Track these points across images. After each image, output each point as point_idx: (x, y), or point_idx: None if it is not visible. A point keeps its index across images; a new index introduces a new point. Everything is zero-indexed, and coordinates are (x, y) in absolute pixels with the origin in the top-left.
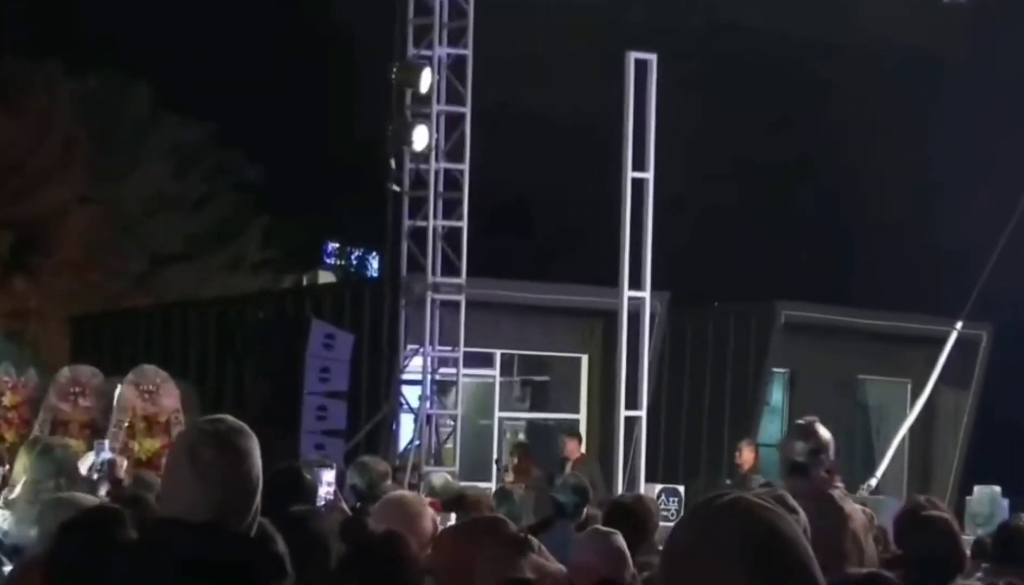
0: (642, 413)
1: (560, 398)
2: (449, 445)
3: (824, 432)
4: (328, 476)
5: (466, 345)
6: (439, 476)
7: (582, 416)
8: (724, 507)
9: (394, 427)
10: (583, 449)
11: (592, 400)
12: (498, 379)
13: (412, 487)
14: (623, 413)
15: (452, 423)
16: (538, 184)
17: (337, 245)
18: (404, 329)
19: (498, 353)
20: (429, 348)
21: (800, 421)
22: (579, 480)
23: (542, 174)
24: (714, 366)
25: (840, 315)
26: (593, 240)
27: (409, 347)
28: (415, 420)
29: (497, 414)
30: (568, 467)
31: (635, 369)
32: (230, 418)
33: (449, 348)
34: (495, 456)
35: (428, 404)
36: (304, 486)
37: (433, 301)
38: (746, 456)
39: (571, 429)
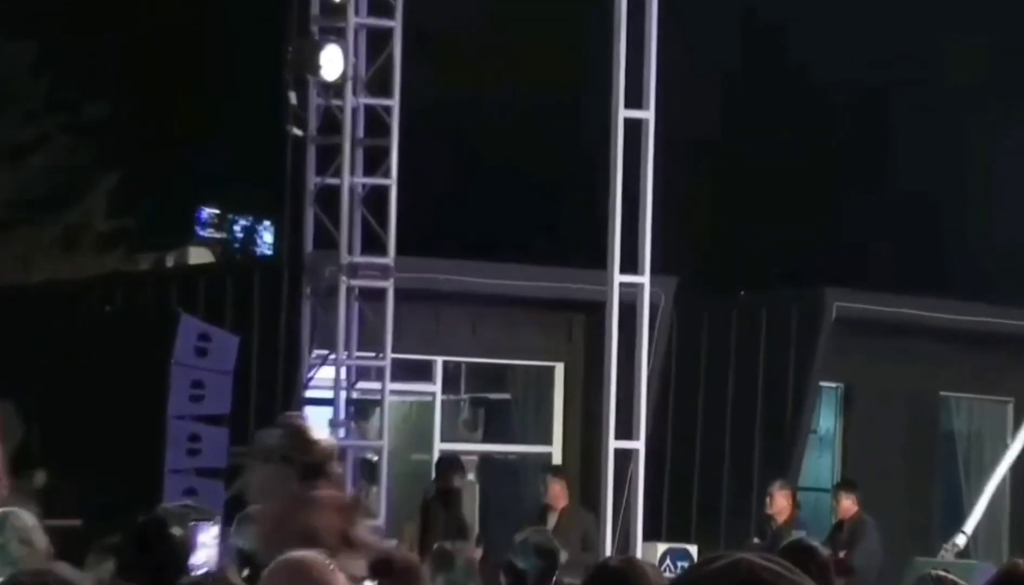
0: (639, 444)
1: (526, 424)
2: (372, 489)
3: None
4: (207, 534)
5: (396, 351)
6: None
7: (555, 448)
8: (720, 572)
9: None
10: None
11: (570, 426)
12: (440, 397)
13: None
14: (613, 444)
15: (375, 458)
16: (495, 129)
17: (215, 212)
18: (309, 328)
19: (440, 361)
20: (343, 355)
21: None
22: (543, 539)
23: (500, 115)
24: (739, 379)
25: (916, 308)
26: (571, 206)
27: (316, 353)
28: None
29: (438, 446)
30: (553, 519)
31: (630, 383)
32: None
33: (372, 354)
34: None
35: (342, 432)
36: (173, 547)
37: (350, 289)
38: (780, 504)
39: (555, 468)
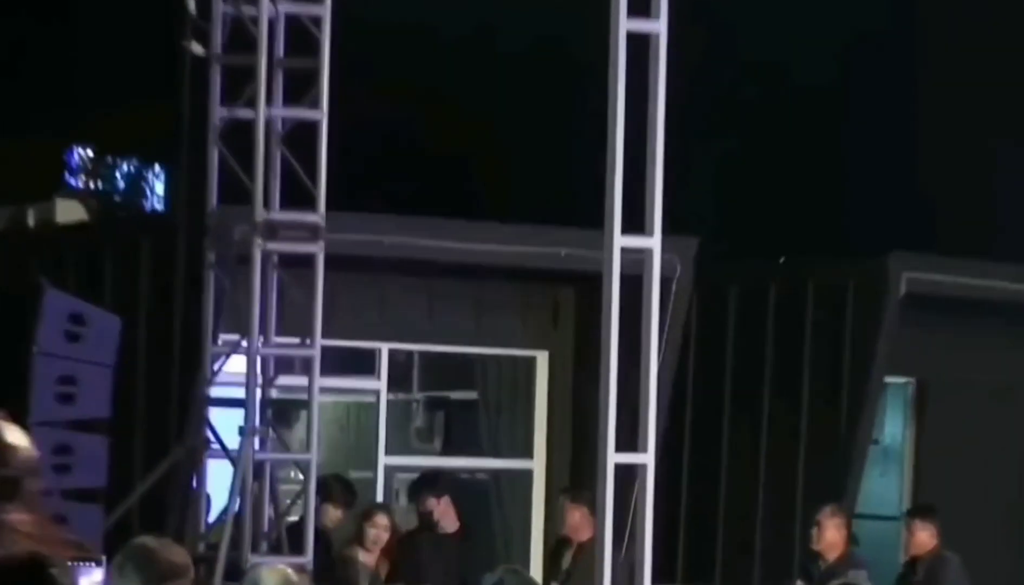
0: (647, 458)
1: (499, 432)
2: (295, 516)
3: None
4: (90, 578)
5: (328, 336)
6: (273, 572)
7: (537, 462)
8: None
9: (195, 484)
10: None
11: (557, 435)
12: (385, 397)
13: None
14: (613, 458)
15: (300, 477)
16: (456, 46)
17: (90, 154)
18: (214, 307)
19: (385, 350)
20: (259, 342)
21: None
22: (522, 579)
23: (463, 26)
24: (779, 374)
25: (1009, 281)
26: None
27: (223, 340)
28: (234, 471)
29: (383, 460)
30: (568, 557)
31: (635, 379)
32: None
33: (296, 341)
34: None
35: (257, 442)
36: None
37: (267, 256)
38: (830, 536)
39: (574, 492)
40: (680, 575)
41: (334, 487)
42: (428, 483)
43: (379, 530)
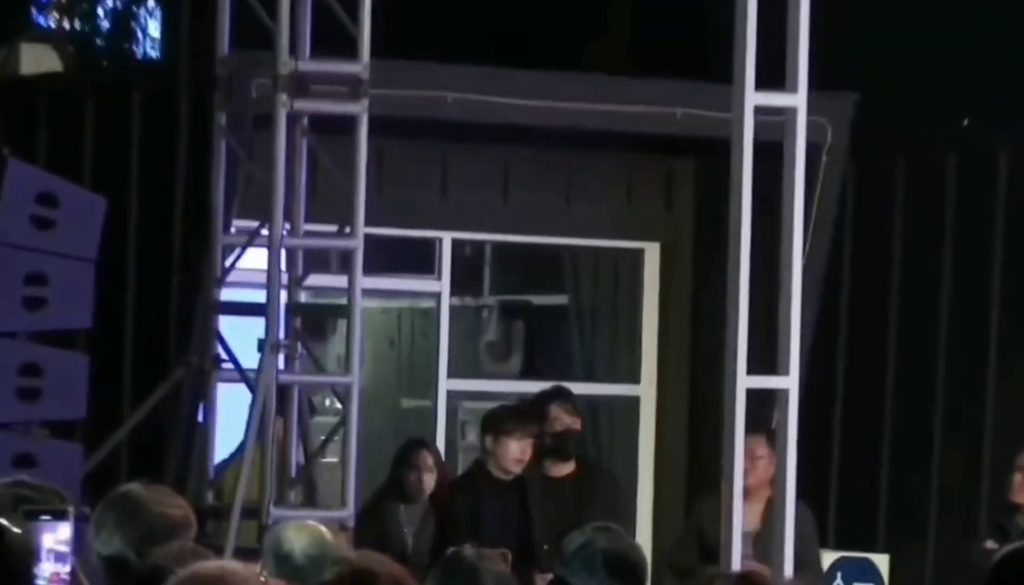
0: (790, 382)
1: (595, 347)
2: (331, 458)
3: None
4: (55, 535)
5: (373, 222)
6: (302, 531)
7: (646, 388)
8: None
9: (202, 415)
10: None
11: (671, 352)
12: (447, 301)
13: (243, 554)
14: (744, 382)
15: (337, 406)
16: None
17: None
18: (223, 185)
19: (447, 240)
20: (284, 230)
21: None
22: (617, 545)
23: None
24: (960, 269)
25: None
26: None
27: (236, 227)
28: (252, 398)
29: (444, 384)
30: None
31: (773, 279)
32: None
33: (333, 230)
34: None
35: (281, 361)
36: (13, 555)
37: (295, 118)
38: None
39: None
40: (833, 536)
41: None
42: (560, 395)
43: (420, 472)
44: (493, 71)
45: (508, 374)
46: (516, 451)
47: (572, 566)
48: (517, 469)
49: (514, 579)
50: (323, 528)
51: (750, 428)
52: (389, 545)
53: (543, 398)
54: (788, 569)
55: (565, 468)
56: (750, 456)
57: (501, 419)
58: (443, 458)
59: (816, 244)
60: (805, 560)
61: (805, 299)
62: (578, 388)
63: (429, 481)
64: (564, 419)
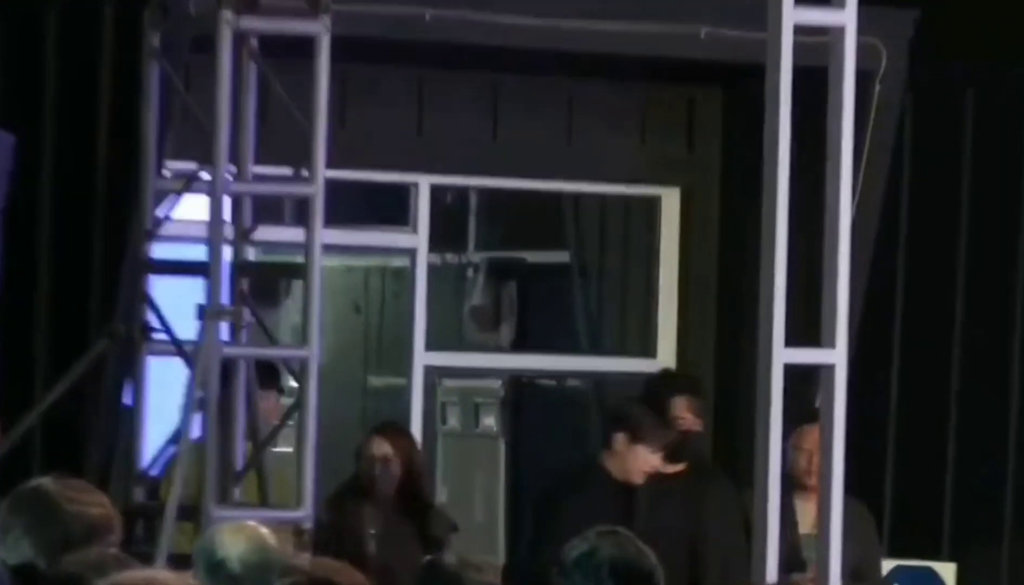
0: (837, 356)
1: (603, 314)
2: (285, 447)
3: None
4: None
5: (337, 164)
6: (237, 533)
7: (663, 362)
8: None
9: (130, 395)
10: None
11: (694, 318)
12: (424, 258)
13: (178, 562)
14: (782, 355)
15: (292, 385)
16: None
17: None
18: (158, 118)
19: (424, 185)
20: (228, 172)
21: None
22: (623, 550)
23: None
24: None
25: None
26: None
27: (173, 169)
28: (190, 374)
29: (420, 358)
30: None
31: (817, 231)
32: None
33: (287, 173)
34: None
35: (225, 330)
36: None
37: (242, 38)
38: None
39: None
40: (888, 536)
41: None
42: (688, 388)
43: (371, 463)
44: None
45: (497, 346)
46: (650, 462)
47: (573, 578)
48: (641, 480)
49: None
50: (264, 530)
51: (804, 417)
52: (349, 550)
53: (667, 386)
54: (835, 575)
55: (675, 466)
56: (808, 449)
57: (640, 423)
58: (418, 446)
59: (867, 191)
60: (866, 571)
61: (854, 258)
62: (582, 363)
63: (387, 474)
64: (688, 419)
